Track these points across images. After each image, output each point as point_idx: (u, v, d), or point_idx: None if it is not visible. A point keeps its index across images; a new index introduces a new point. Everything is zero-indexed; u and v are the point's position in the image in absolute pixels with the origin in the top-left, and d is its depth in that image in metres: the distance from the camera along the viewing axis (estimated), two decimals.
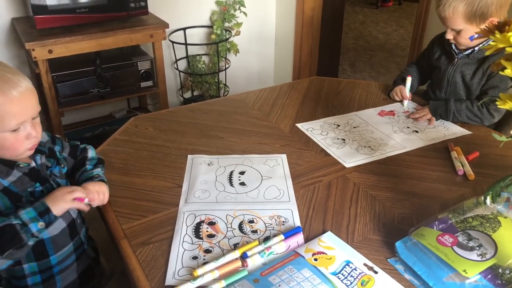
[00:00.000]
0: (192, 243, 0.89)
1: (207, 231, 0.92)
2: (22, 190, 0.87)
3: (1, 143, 0.85)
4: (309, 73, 2.88)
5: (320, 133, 1.32)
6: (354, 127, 1.36)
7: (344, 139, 1.29)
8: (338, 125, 1.37)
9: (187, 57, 2.62)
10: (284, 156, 1.19)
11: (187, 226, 0.93)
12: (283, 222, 0.95)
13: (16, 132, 0.84)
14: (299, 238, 0.90)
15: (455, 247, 0.81)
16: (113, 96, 2.21)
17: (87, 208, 0.92)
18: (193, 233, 0.92)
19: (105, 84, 2.14)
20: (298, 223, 0.95)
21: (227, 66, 2.70)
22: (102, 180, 0.99)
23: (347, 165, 1.16)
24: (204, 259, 0.85)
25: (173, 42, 2.48)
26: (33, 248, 0.88)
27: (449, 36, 1.33)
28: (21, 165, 0.89)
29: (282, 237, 0.89)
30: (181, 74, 2.65)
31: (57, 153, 1.00)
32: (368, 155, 1.21)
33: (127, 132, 1.32)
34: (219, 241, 0.90)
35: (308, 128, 1.36)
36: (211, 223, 0.95)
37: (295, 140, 1.27)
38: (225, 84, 2.76)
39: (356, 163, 1.17)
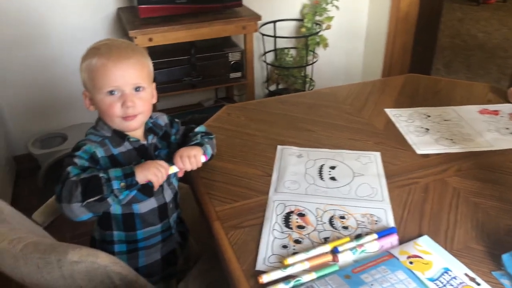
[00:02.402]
0: (282, 232, 0.89)
1: (297, 222, 0.92)
2: (127, 163, 0.93)
3: (100, 105, 0.92)
4: (400, 72, 2.75)
5: (406, 120, 1.30)
6: (445, 120, 1.30)
7: (428, 129, 1.25)
8: (429, 116, 1.33)
9: (275, 50, 2.63)
10: (378, 154, 1.14)
11: (277, 215, 0.94)
12: (376, 221, 0.92)
13: (112, 96, 0.90)
14: (393, 239, 0.86)
15: None
16: (203, 85, 2.28)
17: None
18: (283, 222, 0.92)
19: (197, 73, 2.22)
20: (392, 223, 0.91)
21: (314, 60, 2.67)
22: (198, 143, 1.00)
23: (418, 152, 1.15)
24: (294, 249, 0.85)
25: (263, 35, 2.51)
26: (123, 219, 0.95)
27: None
28: (131, 139, 0.96)
29: (375, 236, 0.86)
30: (268, 66, 2.67)
31: (172, 136, 1.06)
32: (446, 146, 1.17)
33: (219, 119, 1.35)
34: (309, 233, 0.89)
35: (395, 114, 1.34)
36: (301, 215, 0.94)
37: (390, 139, 1.22)
38: (311, 78, 2.73)
39: (427, 151, 1.15)
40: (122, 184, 0.86)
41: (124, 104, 0.90)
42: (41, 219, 1.09)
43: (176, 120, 1.09)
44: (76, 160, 0.88)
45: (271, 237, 0.88)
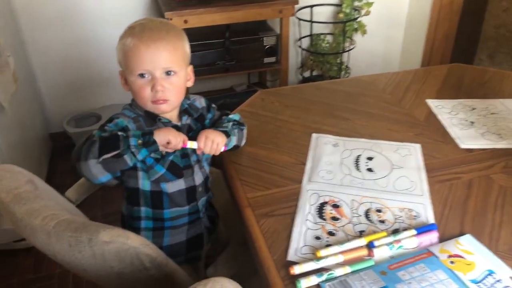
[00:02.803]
0: (315, 223, 0.86)
1: (331, 213, 0.89)
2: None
3: (132, 86, 0.92)
4: (440, 62, 2.64)
5: (449, 112, 1.24)
6: (492, 113, 1.23)
7: (473, 122, 1.19)
8: (474, 108, 1.26)
9: (311, 35, 2.57)
10: (418, 146, 1.09)
11: (311, 205, 0.91)
12: (415, 216, 0.87)
13: (142, 78, 0.90)
14: (433, 236, 0.82)
15: None
16: (236, 70, 2.26)
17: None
18: (317, 213, 0.89)
19: (231, 57, 2.20)
20: (431, 220, 0.86)
21: (351, 47, 2.59)
22: (224, 131, 0.98)
23: (462, 146, 1.09)
24: (327, 241, 0.82)
25: (299, 19, 2.45)
26: (152, 196, 0.95)
27: None
28: (163, 120, 0.94)
29: (413, 232, 0.82)
30: (303, 52, 2.61)
31: (207, 120, 1.04)
32: (493, 141, 1.10)
33: (253, 104, 1.32)
34: (343, 225, 0.86)
35: (437, 105, 1.27)
36: (335, 206, 0.91)
37: (431, 131, 1.16)
38: (346, 66, 2.66)
39: (472, 146, 1.09)
40: (140, 141, 0.86)
41: (153, 88, 0.89)
42: (74, 196, 1.10)
43: (213, 105, 1.07)
44: (106, 128, 0.89)
45: (304, 227, 0.85)
